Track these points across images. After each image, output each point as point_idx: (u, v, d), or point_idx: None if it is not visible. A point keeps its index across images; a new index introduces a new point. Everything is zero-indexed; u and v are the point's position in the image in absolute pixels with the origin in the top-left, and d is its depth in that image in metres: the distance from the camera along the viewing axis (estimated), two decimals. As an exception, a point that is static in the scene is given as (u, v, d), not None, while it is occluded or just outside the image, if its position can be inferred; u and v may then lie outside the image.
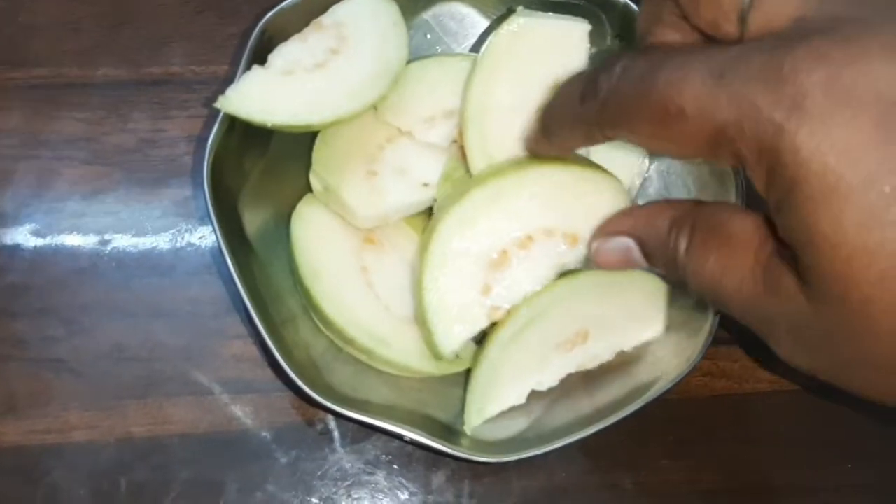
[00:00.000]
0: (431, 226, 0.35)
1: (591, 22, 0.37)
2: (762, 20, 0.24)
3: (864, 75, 0.20)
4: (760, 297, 0.25)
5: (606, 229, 0.32)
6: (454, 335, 0.34)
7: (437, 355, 0.35)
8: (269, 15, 0.37)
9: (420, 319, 0.35)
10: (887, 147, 0.20)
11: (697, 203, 0.29)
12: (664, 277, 0.38)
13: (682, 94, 0.23)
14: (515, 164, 0.35)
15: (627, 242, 0.31)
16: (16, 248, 0.40)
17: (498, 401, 0.36)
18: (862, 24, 0.21)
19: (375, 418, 0.34)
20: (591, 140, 0.29)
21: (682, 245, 0.28)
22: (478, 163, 0.37)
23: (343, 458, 0.38)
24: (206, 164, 0.35)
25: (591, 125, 0.28)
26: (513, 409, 0.37)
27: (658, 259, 0.30)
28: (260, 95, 0.35)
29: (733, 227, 0.26)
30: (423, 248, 0.35)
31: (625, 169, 0.39)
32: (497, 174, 0.35)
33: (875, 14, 0.22)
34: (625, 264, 0.31)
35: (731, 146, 0.23)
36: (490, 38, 0.37)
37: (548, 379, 0.37)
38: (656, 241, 0.29)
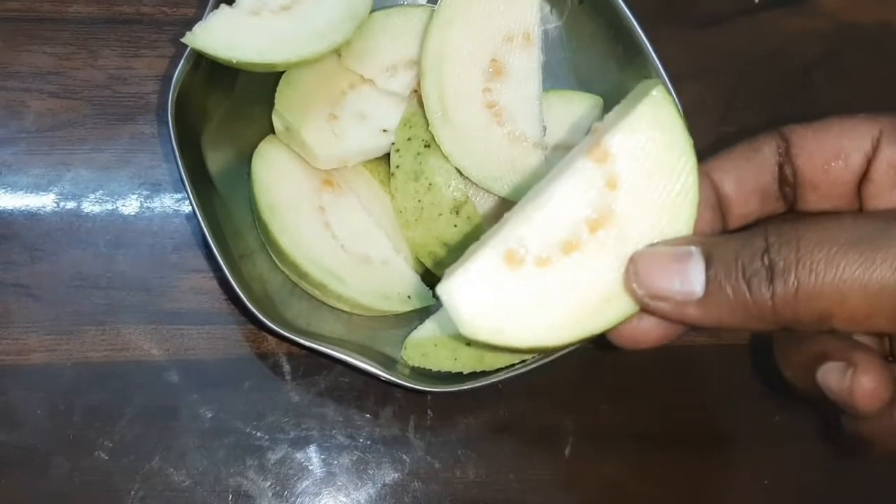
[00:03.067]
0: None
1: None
2: None
3: None
4: None
5: None
6: None
7: None
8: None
9: None
10: None
11: None
12: None
13: None
14: None
15: None
16: (-18, 177, 0.41)
17: None
18: None
19: (327, 348, 0.35)
20: None
21: None
22: (434, 111, 0.38)
23: (294, 390, 0.39)
24: (170, 98, 0.36)
25: None
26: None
27: None
28: (226, 33, 0.36)
29: None
30: None
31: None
32: None
33: None
34: None
35: None
36: (447, -11, 0.38)
37: None
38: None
